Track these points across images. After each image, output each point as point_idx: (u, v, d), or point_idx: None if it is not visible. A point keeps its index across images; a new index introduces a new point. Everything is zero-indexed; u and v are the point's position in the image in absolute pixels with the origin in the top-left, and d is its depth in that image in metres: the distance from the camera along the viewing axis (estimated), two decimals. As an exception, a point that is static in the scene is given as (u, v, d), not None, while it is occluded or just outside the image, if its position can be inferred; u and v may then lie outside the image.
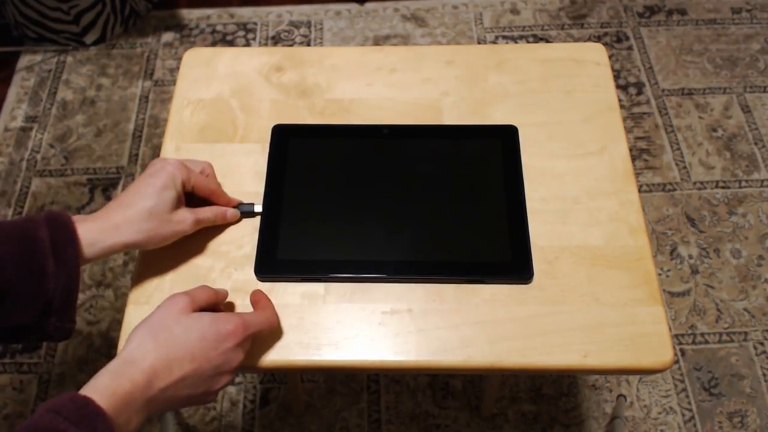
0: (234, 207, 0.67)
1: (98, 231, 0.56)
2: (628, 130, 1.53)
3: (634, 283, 0.63)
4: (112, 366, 0.49)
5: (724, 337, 1.26)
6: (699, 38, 1.69)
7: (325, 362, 0.60)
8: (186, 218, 0.61)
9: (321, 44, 1.71)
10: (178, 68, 0.79)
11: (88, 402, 0.45)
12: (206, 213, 0.64)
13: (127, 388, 0.47)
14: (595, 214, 0.67)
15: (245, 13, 1.78)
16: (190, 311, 0.53)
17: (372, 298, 0.63)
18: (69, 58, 1.69)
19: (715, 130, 1.53)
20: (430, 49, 0.82)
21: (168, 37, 1.73)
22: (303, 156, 0.71)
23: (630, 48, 1.68)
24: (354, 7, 1.78)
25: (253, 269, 0.64)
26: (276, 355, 0.60)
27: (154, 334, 0.51)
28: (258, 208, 0.68)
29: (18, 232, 0.53)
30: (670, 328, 0.61)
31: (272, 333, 0.61)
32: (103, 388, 0.46)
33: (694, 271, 1.33)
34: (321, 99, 0.77)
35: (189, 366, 0.50)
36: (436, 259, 0.64)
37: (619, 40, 1.69)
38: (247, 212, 0.68)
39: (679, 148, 1.50)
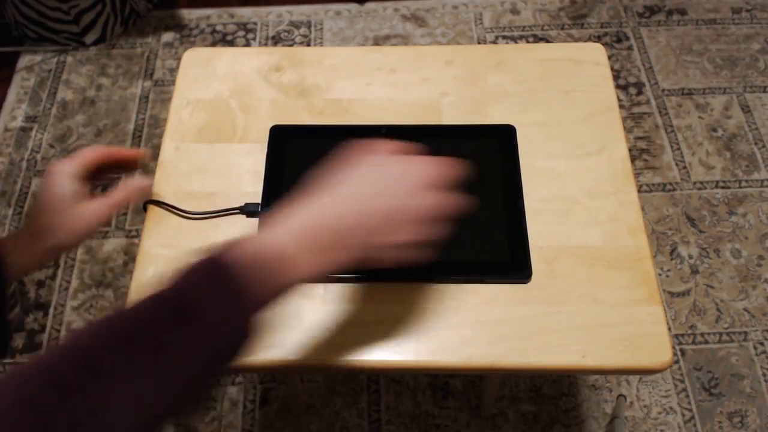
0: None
1: (24, 245, 0.59)
2: (628, 130, 1.53)
3: (633, 283, 0.63)
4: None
5: (724, 337, 1.26)
6: (699, 38, 1.69)
7: (325, 362, 0.60)
8: (97, 207, 0.62)
9: (321, 44, 1.71)
10: (178, 68, 0.79)
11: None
12: (117, 194, 0.64)
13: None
14: (595, 214, 0.67)
15: (245, 13, 1.78)
16: None
17: (370, 299, 0.63)
18: (69, 58, 1.69)
19: (715, 130, 1.53)
20: (430, 49, 0.82)
21: (168, 37, 1.73)
22: (301, 157, 0.71)
23: (630, 48, 1.68)
24: (354, 7, 1.78)
25: (252, 269, 0.64)
26: (275, 355, 0.60)
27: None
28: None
29: None
30: (669, 328, 0.61)
31: (272, 333, 0.61)
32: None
33: (694, 271, 1.33)
34: (320, 99, 0.77)
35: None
36: (434, 260, 0.64)
37: (619, 40, 1.69)
38: (252, 212, 0.68)
39: (679, 148, 1.50)
